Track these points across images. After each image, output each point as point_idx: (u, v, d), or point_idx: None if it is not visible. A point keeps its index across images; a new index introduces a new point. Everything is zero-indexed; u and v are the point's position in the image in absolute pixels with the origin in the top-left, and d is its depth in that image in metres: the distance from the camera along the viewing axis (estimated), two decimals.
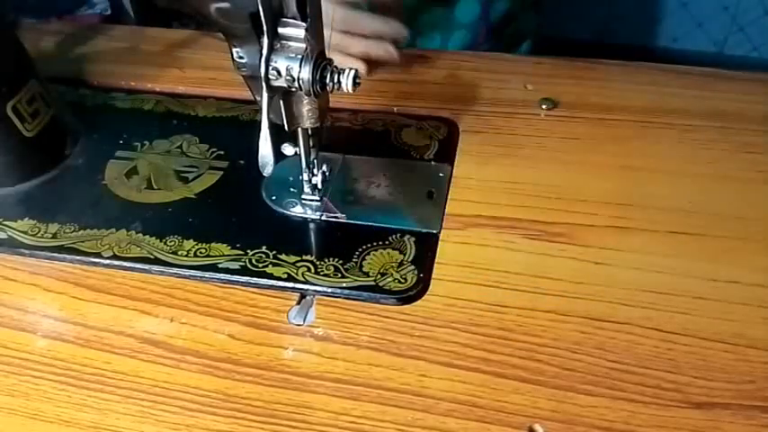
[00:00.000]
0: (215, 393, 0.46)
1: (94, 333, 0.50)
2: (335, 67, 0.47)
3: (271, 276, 0.52)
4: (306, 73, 0.45)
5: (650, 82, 0.67)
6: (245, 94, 0.52)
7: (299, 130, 0.51)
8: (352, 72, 0.47)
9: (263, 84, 0.46)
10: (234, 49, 0.47)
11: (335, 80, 0.47)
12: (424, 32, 0.80)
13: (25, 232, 0.56)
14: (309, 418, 0.44)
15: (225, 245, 0.54)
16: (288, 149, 0.53)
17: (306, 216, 0.57)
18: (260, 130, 0.47)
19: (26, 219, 0.57)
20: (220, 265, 0.53)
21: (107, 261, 0.54)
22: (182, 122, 0.66)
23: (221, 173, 0.61)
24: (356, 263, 0.53)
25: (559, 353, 0.47)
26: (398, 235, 0.54)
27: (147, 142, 0.64)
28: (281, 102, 0.48)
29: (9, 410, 0.46)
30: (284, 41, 0.45)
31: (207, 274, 0.53)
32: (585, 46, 0.68)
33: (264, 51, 0.45)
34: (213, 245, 0.54)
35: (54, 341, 0.49)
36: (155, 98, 0.69)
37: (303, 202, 0.57)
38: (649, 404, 0.44)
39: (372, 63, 0.66)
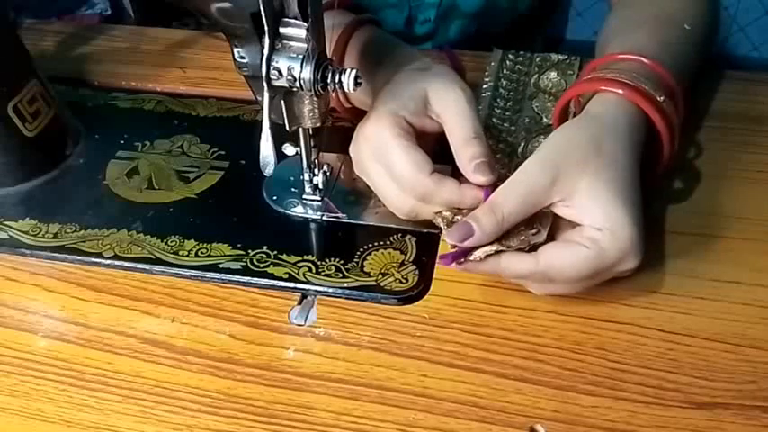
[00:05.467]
0: (216, 393, 0.46)
1: (95, 333, 0.50)
2: (337, 66, 0.47)
3: (272, 276, 0.52)
4: (307, 73, 0.45)
5: None
6: (247, 93, 0.52)
7: (301, 129, 0.51)
8: (353, 72, 0.47)
9: (265, 84, 0.46)
10: (235, 49, 0.47)
11: (337, 80, 0.47)
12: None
13: (26, 232, 0.56)
14: (310, 418, 0.44)
15: (226, 245, 0.54)
16: (289, 149, 0.53)
17: (307, 216, 0.57)
18: (261, 130, 0.47)
19: (27, 219, 0.57)
20: (221, 266, 0.53)
21: (108, 261, 0.54)
22: (183, 122, 0.66)
23: (222, 173, 0.61)
24: (357, 263, 0.53)
25: (561, 353, 0.47)
26: (399, 235, 0.54)
27: (147, 142, 0.64)
28: (283, 102, 0.48)
29: (10, 410, 0.46)
30: (285, 41, 0.45)
31: (208, 275, 0.53)
32: (586, 45, 0.68)
33: (266, 51, 0.45)
34: (214, 245, 0.54)
35: (55, 341, 0.49)
36: (156, 98, 0.69)
37: (304, 202, 0.57)
38: (651, 404, 0.44)
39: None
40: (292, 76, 0.45)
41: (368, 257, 0.53)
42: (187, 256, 0.54)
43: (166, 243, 0.55)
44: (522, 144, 0.60)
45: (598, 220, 0.45)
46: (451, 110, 0.50)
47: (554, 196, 0.45)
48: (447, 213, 0.49)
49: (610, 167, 0.46)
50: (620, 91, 0.49)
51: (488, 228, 0.45)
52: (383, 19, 0.65)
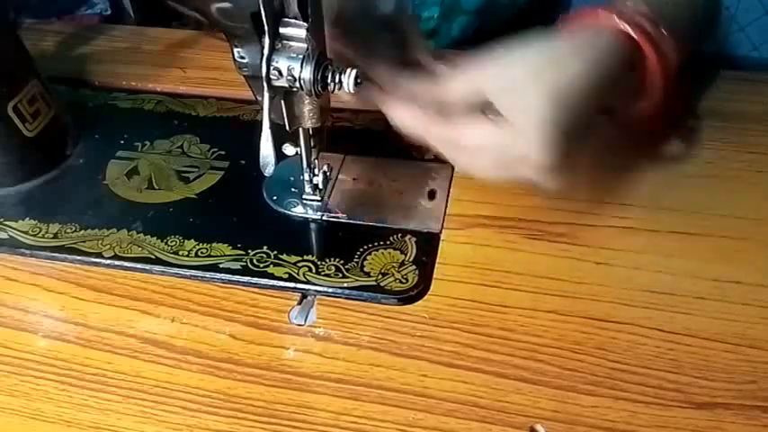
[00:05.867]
0: (216, 393, 0.46)
1: (95, 333, 0.50)
2: (337, 66, 0.47)
3: (272, 276, 0.52)
4: (307, 73, 0.45)
5: None
6: (247, 93, 0.52)
7: (300, 129, 0.51)
8: (354, 72, 0.47)
9: (265, 84, 0.46)
10: (235, 49, 0.47)
11: (337, 80, 0.47)
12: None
13: (26, 232, 0.56)
14: (310, 418, 0.44)
15: (226, 245, 0.54)
16: (289, 149, 0.53)
17: (307, 216, 0.57)
18: (261, 130, 0.47)
19: (27, 219, 0.57)
20: (221, 266, 0.53)
21: (108, 261, 0.54)
22: (183, 122, 0.66)
23: (222, 173, 0.61)
24: (357, 263, 0.53)
25: (561, 353, 0.47)
26: (399, 235, 0.54)
27: (147, 142, 0.64)
28: (283, 102, 0.48)
29: (10, 410, 0.46)
30: (285, 41, 0.45)
31: (208, 275, 0.53)
32: None
33: (266, 51, 0.45)
34: (214, 245, 0.54)
35: (55, 341, 0.49)
36: (156, 98, 0.69)
37: (304, 202, 0.57)
38: (651, 404, 0.44)
39: None
40: (292, 76, 0.45)
41: (368, 257, 0.53)
42: (187, 256, 0.54)
43: (166, 243, 0.55)
44: None
45: (515, 108, 0.46)
46: None
47: (492, 89, 0.47)
48: None
49: (556, 70, 0.46)
50: (611, 20, 0.49)
51: (424, 92, 0.49)
52: None
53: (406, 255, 0.53)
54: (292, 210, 0.57)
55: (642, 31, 0.49)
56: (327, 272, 0.52)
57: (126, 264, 0.54)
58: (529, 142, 0.45)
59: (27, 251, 0.55)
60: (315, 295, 0.51)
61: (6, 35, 0.58)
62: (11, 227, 0.57)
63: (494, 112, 0.47)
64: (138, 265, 0.53)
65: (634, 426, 0.43)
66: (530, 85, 0.46)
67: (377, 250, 0.53)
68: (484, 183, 0.58)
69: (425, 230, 0.55)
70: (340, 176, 0.59)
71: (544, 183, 0.47)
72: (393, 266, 0.52)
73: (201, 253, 0.54)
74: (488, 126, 0.47)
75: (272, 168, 0.47)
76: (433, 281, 0.52)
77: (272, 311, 0.51)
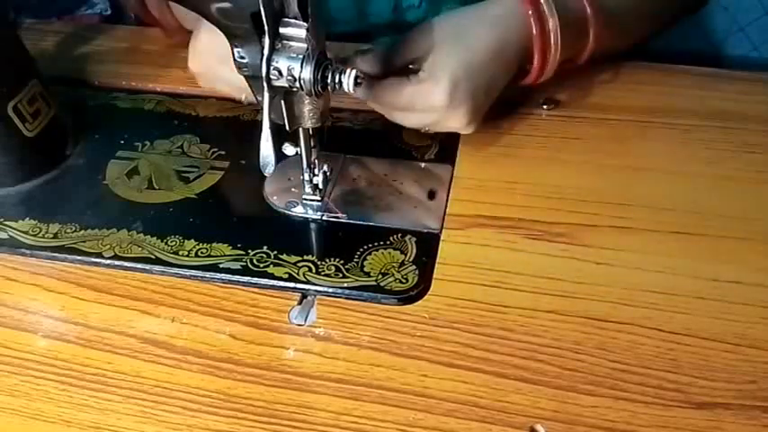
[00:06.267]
0: (216, 393, 0.46)
1: (96, 333, 0.50)
2: (337, 66, 0.47)
3: (272, 276, 0.52)
4: (307, 73, 0.45)
5: (650, 82, 0.67)
6: None
7: (300, 130, 0.51)
8: (354, 72, 0.47)
9: (265, 84, 0.46)
10: (235, 49, 0.47)
11: (337, 80, 0.47)
12: None
13: (26, 232, 0.56)
14: (310, 418, 0.44)
15: (226, 245, 0.54)
16: (289, 149, 0.53)
17: (307, 216, 0.57)
18: (261, 130, 0.47)
19: (27, 219, 0.57)
20: (221, 266, 0.53)
21: (108, 261, 0.54)
22: (183, 122, 0.66)
23: (222, 173, 0.61)
24: (357, 263, 0.53)
25: (561, 353, 0.47)
26: (399, 235, 0.54)
27: (148, 142, 0.64)
28: (283, 102, 0.48)
29: (10, 410, 0.46)
30: (285, 41, 0.45)
31: (208, 275, 0.53)
32: None
33: (266, 51, 0.45)
34: (214, 245, 0.54)
35: (55, 341, 0.49)
36: (156, 98, 0.69)
37: (304, 202, 0.57)
38: (651, 404, 0.44)
39: None
40: (292, 76, 0.45)
41: (368, 257, 0.53)
42: (187, 256, 0.54)
43: (166, 243, 0.55)
44: None
45: (427, 66, 0.54)
46: None
47: (411, 57, 0.56)
48: None
49: (465, 41, 0.55)
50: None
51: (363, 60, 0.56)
52: (370, 7, 0.65)
53: (406, 255, 0.53)
54: (292, 210, 0.57)
55: (537, 11, 0.56)
56: (327, 272, 0.52)
57: (126, 264, 0.54)
58: (434, 92, 0.53)
59: (27, 251, 0.55)
60: (315, 295, 0.51)
61: (6, 35, 0.58)
62: (11, 227, 0.57)
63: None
64: (139, 265, 0.53)
65: (634, 426, 0.43)
66: (443, 48, 0.54)
67: (377, 250, 0.53)
68: (484, 183, 0.58)
69: (425, 230, 0.55)
70: (340, 176, 0.59)
71: (449, 124, 0.56)
72: (393, 266, 0.52)
73: (201, 253, 0.54)
74: (405, 84, 0.54)
75: (272, 168, 0.47)
76: (433, 281, 0.52)
77: (272, 311, 0.51)
